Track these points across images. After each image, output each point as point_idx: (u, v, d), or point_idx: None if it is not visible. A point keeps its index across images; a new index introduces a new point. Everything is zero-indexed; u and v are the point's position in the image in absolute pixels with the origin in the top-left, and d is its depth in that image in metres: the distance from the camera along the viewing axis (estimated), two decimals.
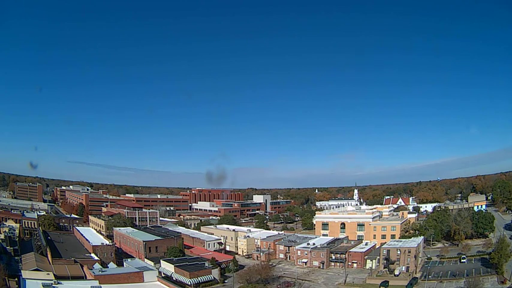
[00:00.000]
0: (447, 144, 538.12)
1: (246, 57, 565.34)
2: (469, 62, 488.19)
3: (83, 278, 71.34)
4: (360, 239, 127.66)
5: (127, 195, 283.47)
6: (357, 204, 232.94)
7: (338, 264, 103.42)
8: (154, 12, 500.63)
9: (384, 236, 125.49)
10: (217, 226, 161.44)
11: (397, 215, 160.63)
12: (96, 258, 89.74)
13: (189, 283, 78.95)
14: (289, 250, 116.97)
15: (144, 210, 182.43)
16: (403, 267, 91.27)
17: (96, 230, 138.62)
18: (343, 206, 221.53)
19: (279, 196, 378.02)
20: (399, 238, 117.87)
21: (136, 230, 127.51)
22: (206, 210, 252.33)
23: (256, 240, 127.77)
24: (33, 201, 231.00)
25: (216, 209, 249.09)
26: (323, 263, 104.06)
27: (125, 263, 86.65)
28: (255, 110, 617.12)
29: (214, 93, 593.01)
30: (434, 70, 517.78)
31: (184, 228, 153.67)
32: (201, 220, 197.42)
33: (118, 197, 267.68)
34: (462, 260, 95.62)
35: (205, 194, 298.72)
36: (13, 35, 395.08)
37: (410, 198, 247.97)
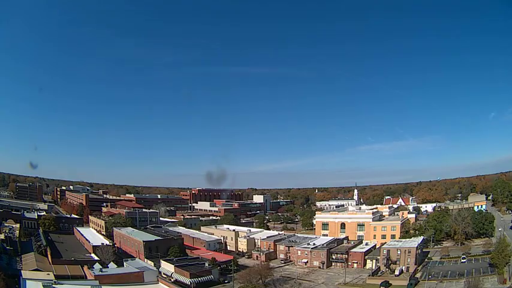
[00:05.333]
0: (448, 145, 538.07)
1: (248, 56, 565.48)
2: (468, 60, 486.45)
3: (83, 278, 71.25)
4: (360, 239, 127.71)
5: (127, 195, 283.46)
6: (357, 204, 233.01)
7: (338, 264, 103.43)
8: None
9: (384, 236, 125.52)
10: (218, 226, 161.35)
11: (397, 215, 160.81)
12: (96, 258, 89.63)
13: (189, 283, 78.85)
14: (289, 250, 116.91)
15: (144, 210, 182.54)
16: (404, 267, 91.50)
17: (96, 230, 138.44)
18: (343, 206, 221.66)
19: (279, 196, 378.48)
20: (399, 238, 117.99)
21: (137, 230, 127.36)
22: (206, 210, 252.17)
23: (256, 241, 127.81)
24: (33, 201, 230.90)
25: (216, 209, 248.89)
26: (323, 263, 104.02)
27: (125, 263, 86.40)
28: (254, 109, 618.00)
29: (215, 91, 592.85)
30: (437, 71, 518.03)
31: (184, 228, 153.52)
32: (201, 220, 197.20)
33: (118, 197, 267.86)
34: (462, 260, 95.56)
35: (205, 194, 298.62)
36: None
37: (411, 198, 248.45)
